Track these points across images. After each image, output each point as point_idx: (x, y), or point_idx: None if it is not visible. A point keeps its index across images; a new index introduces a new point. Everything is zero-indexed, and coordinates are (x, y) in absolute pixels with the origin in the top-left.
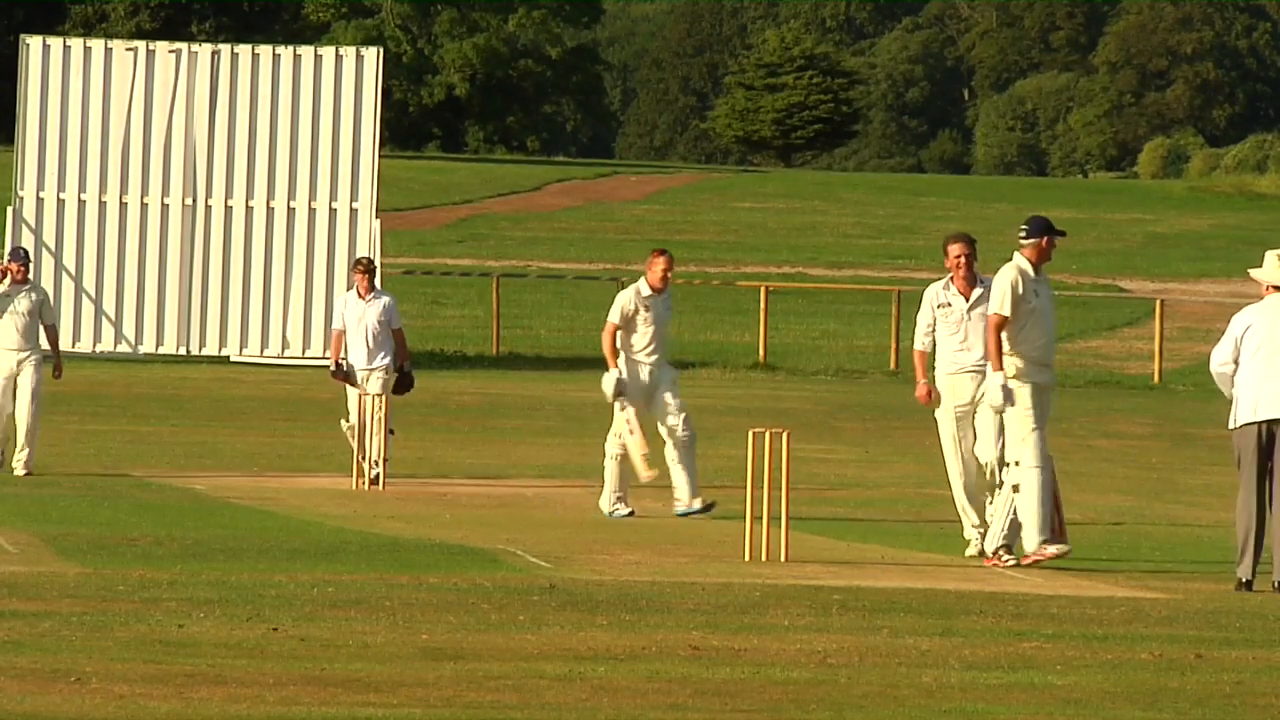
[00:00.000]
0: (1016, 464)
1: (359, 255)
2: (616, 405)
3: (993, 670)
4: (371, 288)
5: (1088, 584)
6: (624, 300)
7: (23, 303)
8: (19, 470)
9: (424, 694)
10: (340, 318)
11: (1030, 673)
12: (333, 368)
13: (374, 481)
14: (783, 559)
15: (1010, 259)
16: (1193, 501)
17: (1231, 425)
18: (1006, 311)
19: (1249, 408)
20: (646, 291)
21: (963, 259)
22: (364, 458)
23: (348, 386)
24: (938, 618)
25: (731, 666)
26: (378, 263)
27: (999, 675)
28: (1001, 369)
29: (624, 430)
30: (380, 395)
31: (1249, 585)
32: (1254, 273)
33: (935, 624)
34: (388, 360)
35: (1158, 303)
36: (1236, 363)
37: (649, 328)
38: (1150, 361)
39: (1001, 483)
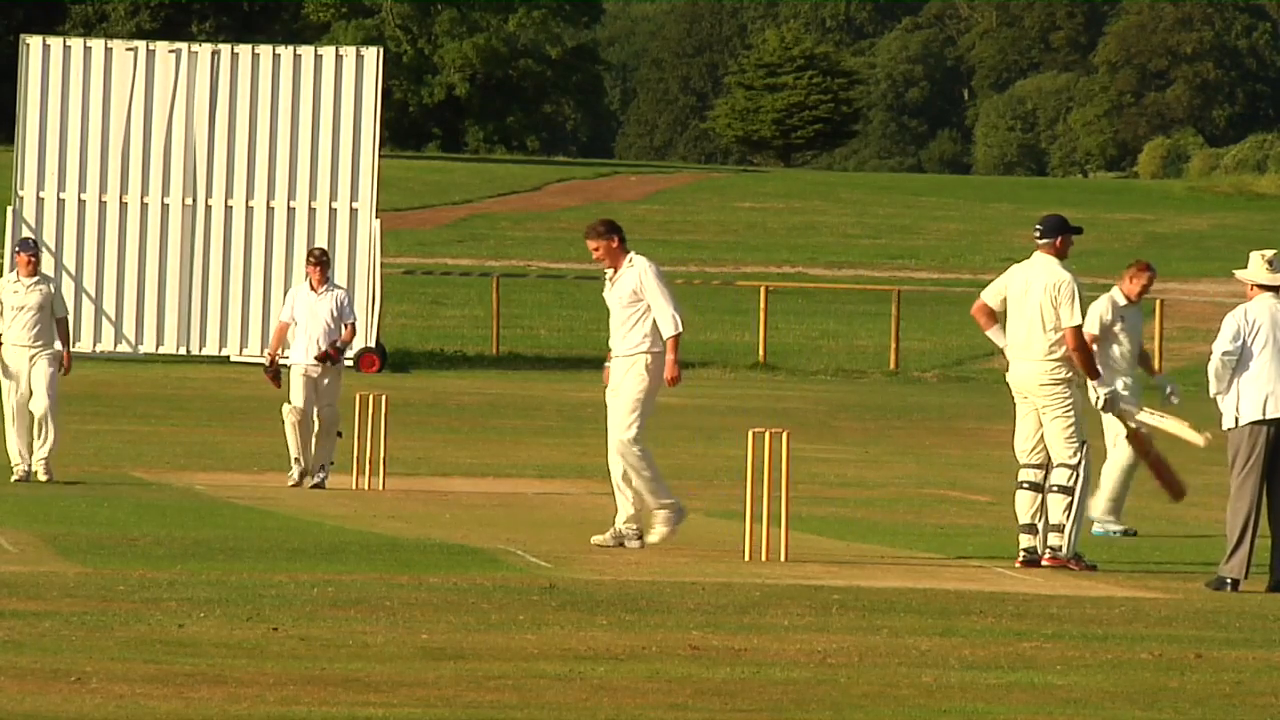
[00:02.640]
0: (1065, 466)
1: (313, 246)
2: (1116, 419)
3: (993, 670)
4: (325, 280)
5: (1088, 584)
6: (1102, 310)
7: (33, 296)
8: (40, 474)
9: (424, 694)
10: (289, 310)
11: (1030, 673)
12: (267, 362)
13: (317, 485)
14: (783, 559)
15: (1018, 259)
16: (1193, 501)
17: (1230, 424)
18: (1081, 320)
19: (1255, 406)
20: (1122, 301)
21: (595, 254)
22: (301, 455)
23: (293, 374)
24: (938, 618)
25: (731, 666)
26: (378, 263)
27: (999, 675)
28: (1099, 376)
29: (1158, 424)
30: (332, 405)
31: (1236, 585)
32: (1240, 274)
33: (935, 624)
34: (338, 364)
35: (1157, 303)
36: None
37: (1127, 338)
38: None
39: (1045, 484)
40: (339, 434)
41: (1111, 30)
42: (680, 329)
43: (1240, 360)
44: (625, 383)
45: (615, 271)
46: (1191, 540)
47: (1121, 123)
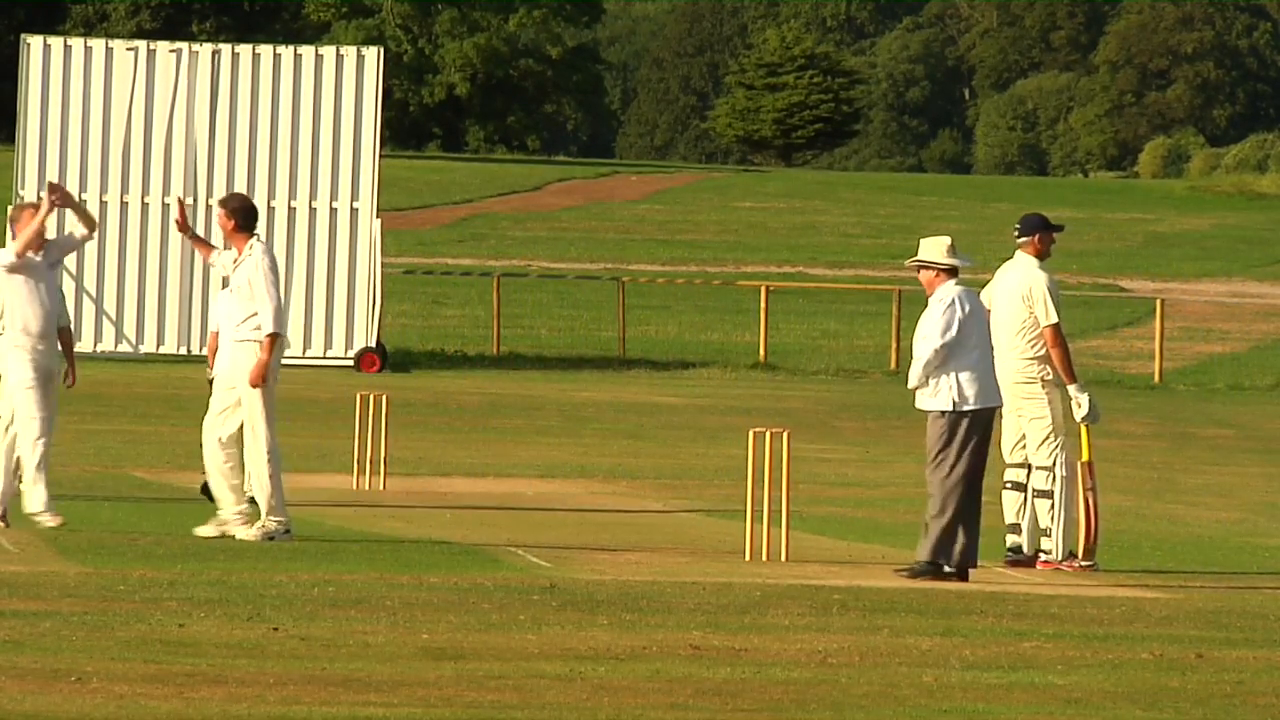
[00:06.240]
0: (1043, 469)
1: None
2: None
3: (993, 670)
4: None
5: (1088, 584)
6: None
7: None
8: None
9: (424, 694)
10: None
11: (1031, 672)
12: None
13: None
14: (783, 559)
15: (1012, 257)
16: (1193, 501)
17: (946, 408)
18: (1057, 318)
19: (977, 395)
20: None
21: (222, 226)
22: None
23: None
24: (938, 617)
25: (732, 666)
26: (378, 263)
27: (999, 675)
28: (1075, 380)
29: None
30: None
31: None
32: (919, 260)
33: (936, 624)
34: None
35: (1158, 302)
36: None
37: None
38: (1151, 361)
39: (1028, 487)
40: None
41: (1112, 30)
42: (280, 330)
43: (953, 349)
44: (242, 375)
45: (238, 254)
46: (1191, 540)
47: (1122, 122)
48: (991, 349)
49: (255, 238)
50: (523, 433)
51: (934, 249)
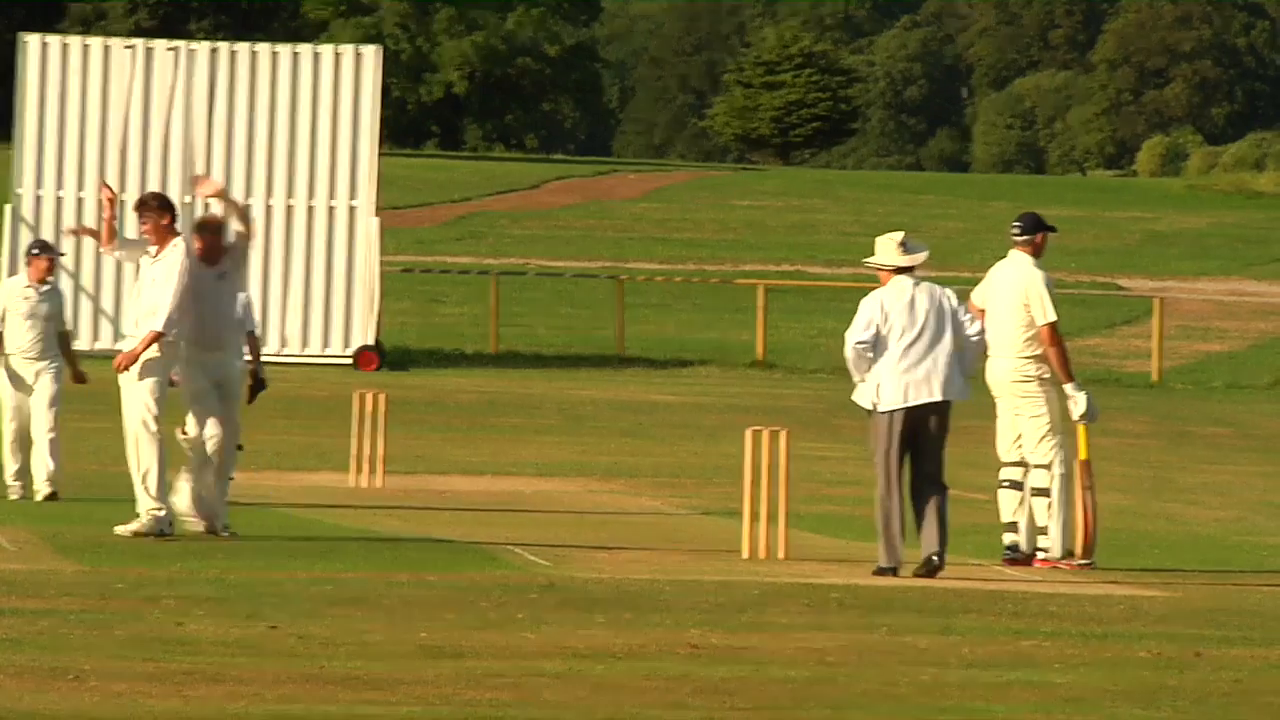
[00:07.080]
0: (1041, 467)
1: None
2: None
3: (992, 668)
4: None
5: (1086, 582)
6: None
7: (43, 305)
8: (42, 491)
9: (422, 692)
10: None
11: (1029, 671)
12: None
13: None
14: (781, 557)
15: (1005, 257)
16: (1191, 500)
17: (869, 408)
18: (1055, 316)
19: (895, 393)
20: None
21: (143, 230)
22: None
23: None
24: (937, 616)
25: (730, 665)
26: (376, 261)
27: (998, 673)
28: (1073, 379)
29: None
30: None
31: (895, 572)
32: (870, 261)
33: (934, 622)
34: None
35: (1156, 301)
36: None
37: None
38: (1149, 360)
39: (1024, 485)
40: (239, 446)
41: (1110, 28)
42: (165, 331)
43: (877, 347)
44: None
45: (159, 250)
46: (1190, 539)
47: (1120, 121)
48: (934, 344)
49: (181, 236)
50: (521, 431)
51: (881, 248)
